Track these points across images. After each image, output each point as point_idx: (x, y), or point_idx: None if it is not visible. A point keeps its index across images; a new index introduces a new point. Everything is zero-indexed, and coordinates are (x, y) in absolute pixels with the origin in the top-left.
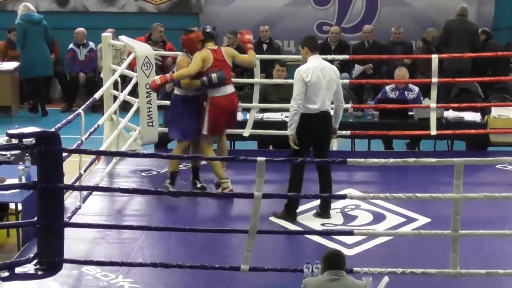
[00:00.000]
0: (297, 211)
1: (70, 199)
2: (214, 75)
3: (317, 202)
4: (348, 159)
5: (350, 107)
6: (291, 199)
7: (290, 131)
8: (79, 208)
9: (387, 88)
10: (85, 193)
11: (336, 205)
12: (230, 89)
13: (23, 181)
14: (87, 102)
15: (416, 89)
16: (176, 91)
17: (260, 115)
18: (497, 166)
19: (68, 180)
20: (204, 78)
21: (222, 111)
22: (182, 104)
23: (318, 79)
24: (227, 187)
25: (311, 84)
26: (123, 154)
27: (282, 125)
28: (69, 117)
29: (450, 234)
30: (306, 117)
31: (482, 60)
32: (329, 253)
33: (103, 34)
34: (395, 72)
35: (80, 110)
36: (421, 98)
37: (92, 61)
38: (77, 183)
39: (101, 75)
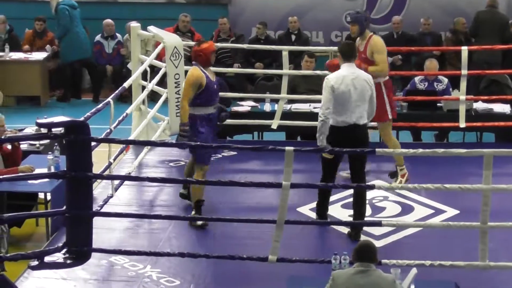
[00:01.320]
0: None
1: (99, 189)
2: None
3: (345, 193)
4: (377, 149)
5: None
6: (320, 208)
7: (319, 142)
8: (111, 197)
9: (416, 79)
10: (116, 182)
11: None
12: None
13: (52, 170)
14: (116, 91)
15: (446, 80)
16: (193, 111)
17: (288, 106)
18: None
19: (96, 169)
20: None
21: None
22: (201, 124)
23: (348, 88)
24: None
25: (339, 94)
26: (151, 144)
27: (310, 116)
28: (99, 106)
29: (479, 226)
30: (334, 130)
31: None
32: (360, 245)
33: (131, 25)
34: (425, 64)
35: (109, 99)
36: (450, 89)
37: (120, 53)
38: (106, 173)
39: (128, 66)
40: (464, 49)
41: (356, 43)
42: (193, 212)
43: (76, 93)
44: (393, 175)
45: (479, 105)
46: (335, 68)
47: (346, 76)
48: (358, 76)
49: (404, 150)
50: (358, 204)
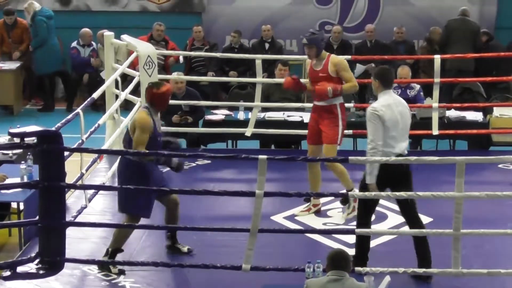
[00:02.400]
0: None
1: (72, 199)
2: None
3: (321, 200)
4: (349, 157)
5: (352, 106)
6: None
7: (369, 180)
8: (85, 207)
9: None
10: (90, 192)
11: (337, 204)
12: None
13: (25, 180)
14: (86, 101)
15: (417, 86)
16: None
17: (262, 114)
18: (499, 166)
19: (70, 179)
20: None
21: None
22: (138, 170)
23: (395, 118)
24: (317, 204)
25: (387, 124)
26: (124, 153)
27: (284, 124)
28: (69, 117)
29: (452, 233)
30: (384, 164)
31: (485, 61)
32: (334, 253)
33: (105, 33)
34: (397, 71)
35: (79, 110)
36: (422, 94)
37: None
38: (79, 182)
39: (101, 74)
40: (437, 58)
41: (307, 63)
42: (105, 259)
43: (51, 103)
44: (345, 201)
45: (452, 113)
46: (296, 86)
47: (392, 104)
48: (400, 103)
49: (377, 158)
50: (421, 248)
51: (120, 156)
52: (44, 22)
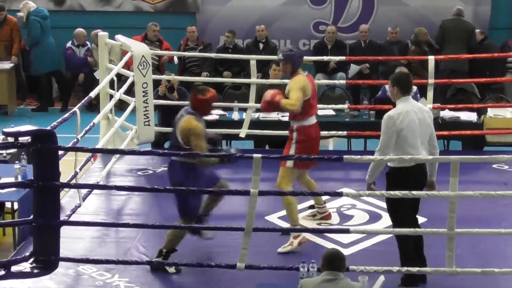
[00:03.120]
0: None
1: (66, 198)
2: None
3: (312, 201)
4: (344, 156)
5: (347, 107)
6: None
7: (368, 180)
8: (79, 206)
9: (387, 87)
10: (84, 191)
11: (332, 204)
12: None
13: (19, 179)
14: (83, 101)
15: (414, 88)
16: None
17: (256, 115)
18: (493, 166)
19: (64, 178)
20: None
21: (312, 142)
22: (193, 173)
23: (414, 125)
24: (323, 212)
25: (405, 132)
26: (118, 152)
27: (278, 124)
28: (65, 116)
29: (446, 233)
30: (402, 172)
31: (479, 61)
32: (329, 253)
33: (99, 33)
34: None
35: (75, 109)
36: (418, 96)
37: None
38: (73, 182)
39: (95, 74)
40: (431, 59)
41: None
42: (159, 260)
43: (48, 103)
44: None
45: (446, 114)
46: (205, 105)
47: (410, 111)
48: (419, 110)
49: (371, 157)
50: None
51: (170, 162)
52: (38, 22)
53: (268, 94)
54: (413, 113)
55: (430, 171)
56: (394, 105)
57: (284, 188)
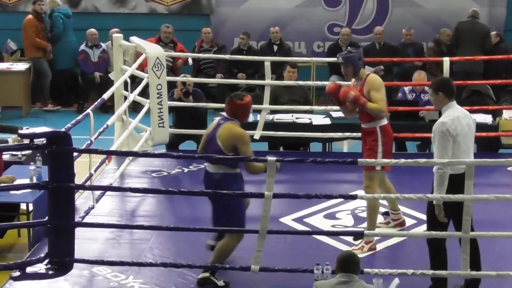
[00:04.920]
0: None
1: (81, 200)
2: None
3: (327, 203)
4: (359, 160)
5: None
6: (438, 279)
7: (437, 202)
8: (92, 208)
9: (406, 89)
10: (98, 193)
11: (346, 206)
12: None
13: (34, 181)
14: (96, 103)
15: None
16: (219, 170)
17: (270, 117)
18: (508, 169)
19: (78, 180)
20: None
21: (391, 141)
22: (233, 184)
23: (465, 131)
24: (397, 218)
25: (459, 138)
26: (133, 154)
27: (292, 126)
28: (78, 117)
29: (461, 235)
30: (457, 178)
31: (495, 63)
32: (344, 256)
33: (114, 35)
34: (414, 76)
35: (89, 111)
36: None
37: (105, 62)
38: (88, 183)
39: (110, 76)
40: (446, 60)
41: (351, 84)
42: (206, 275)
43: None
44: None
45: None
46: (337, 93)
47: (460, 117)
48: (467, 115)
49: (386, 161)
50: (474, 255)
51: (208, 172)
52: (61, 18)
53: (351, 91)
54: (462, 119)
55: None
56: (411, 105)
57: (373, 192)
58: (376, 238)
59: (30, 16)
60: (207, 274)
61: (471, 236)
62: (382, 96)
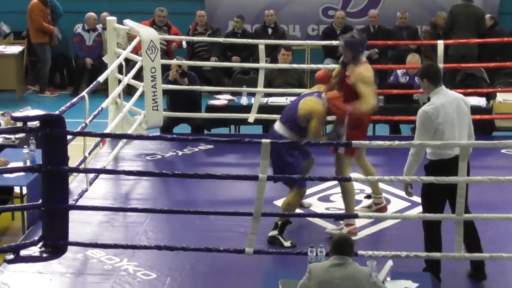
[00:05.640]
0: None
1: (75, 183)
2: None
3: (322, 185)
4: (353, 141)
5: None
6: (431, 261)
7: (406, 174)
8: (86, 191)
9: (399, 72)
10: (91, 176)
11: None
12: None
13: (28, 164)
14: (91, 86)
15: None
16: (285, 133)
17: (265, 100)
18: (502, 151)
19: (72, 163)
20: (334, 134)
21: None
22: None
23: (450, 118)
24: (379, 203)
25: (442, 127)
26: (127, 137)
27: None
28: (73, 100)
29: (455, 218)
30: (440, 164)
31: (489, 46)
32: (337, 238)
33: (107, 18)
34: (407, 59)
35: (84, 93)
36: None
37: (100, 45)
38: (82, 166)
39: (104, 59)
40: (440, 43)
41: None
42: (275, 233)
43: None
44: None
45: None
46: (327, 80)
47: (444, 104)
48: (455, 100)
49: (380, 142)
50: (474, 238)
51: (275, 131)
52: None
53: (339, 105)
54: (448, 104)
55: None
56: (405, 88)
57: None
58: (357, 223)
59: (35, 0)
60: (275, 232)
61: (465, 218)
62: (366, 90)
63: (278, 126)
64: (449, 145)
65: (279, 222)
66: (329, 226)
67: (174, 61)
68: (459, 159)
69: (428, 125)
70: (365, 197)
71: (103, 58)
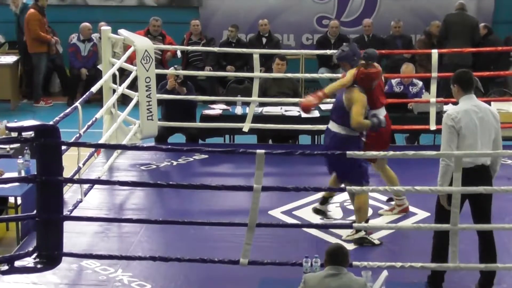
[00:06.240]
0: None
1: (69, 193)
2: (383, 120)
3: (315, 196)
4: (347, 152)
5: None
6: (434, 272)
7: (441, 188)
8: (80, 201)
9: (393, 81)
10: (86, 186)
11: (335, 199)
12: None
13: (23, 174)
14: (84, 96)
15: (420, 83)
16: (342, 131)
17: (259, 109)
18: None
19: (67, 173)
20: (375, 120)
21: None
22: (353, 144)
23: (472, 125)
24: (401, 204)
25: (463, 131)
26: (122, 147)
27: (281, 119)
28: (67, 111)
29: (450, 228)
30: (464, 173)
31: (483, 55)
32: (332, 248)
33: (102, 28)
34: (401, 68)
35: (77, 104)
36: (423, 91)
37: (94, 55)
38: (76, 177)
39: (99, 67)
40: (434, 52)
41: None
42: (361, 234)
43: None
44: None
45: (450, 108)
46: (367, 79)
47: (468, 110)
48: (482, 110)
49: (375, 153)
50: (489, 253)
51: (333, 134)
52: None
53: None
54: (472, 112)
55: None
56: (400, 97)
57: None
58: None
59: (32, 10)
60: (362, 233)
61: (460, 229)
62: (357, 110)
63: (331, 125)
64: (443, 155)
65: (361, 223)
66: (325, 237)
67: (170, 71)
68: (454, 169)
69: (451, 128)
70: (386, 200)
71: (98, 66)
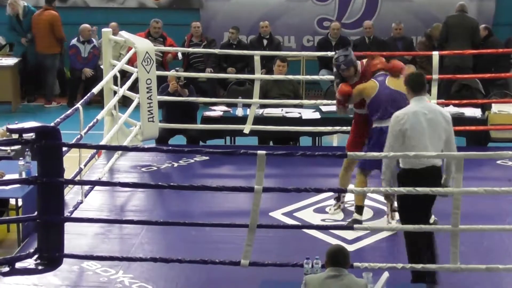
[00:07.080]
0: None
1: (70, 195)
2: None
3: (316, 197)
4: (348, 153)
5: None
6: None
7: (384, 184)
8: (81, 202)
9: None
10: (86, 188)
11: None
12: None
13: (23, 176)
14: (85, 97)
15: None
16: (376, 124)
17: (260, 111)
18: (498, 162)
19: (68, 175)
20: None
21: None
22: (381, 136)
23: (419, 126)
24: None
25: (409, 133)
26: (122, 148)
27: (282, 120)
28: (68, 112)
29: (450, 229)
30: (410, 173)
31: (484, 57)
32: (333, 249)
33: (103, 30)
34: None
35: (78, 105)
36: None
37: (95, 57)
38: (77, 178)
39: (101, 66)
40: (435, 54)
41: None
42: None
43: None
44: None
45: (450, 109)
46: (398, 71)
47: (416, 112)
48: (431, 111)
49: (375, 154)
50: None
51: None
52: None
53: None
54: (421, 114)
55: (447, 174)
56: None
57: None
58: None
59: (52, 11)
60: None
61: (460, 230)
62: (345, 89)
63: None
64: (440, 156)
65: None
66: (326, 238)
67: (171, 73)
68: (455, 171)
69: (396, 128)
70: (334, 199)
71: (102, 66)
